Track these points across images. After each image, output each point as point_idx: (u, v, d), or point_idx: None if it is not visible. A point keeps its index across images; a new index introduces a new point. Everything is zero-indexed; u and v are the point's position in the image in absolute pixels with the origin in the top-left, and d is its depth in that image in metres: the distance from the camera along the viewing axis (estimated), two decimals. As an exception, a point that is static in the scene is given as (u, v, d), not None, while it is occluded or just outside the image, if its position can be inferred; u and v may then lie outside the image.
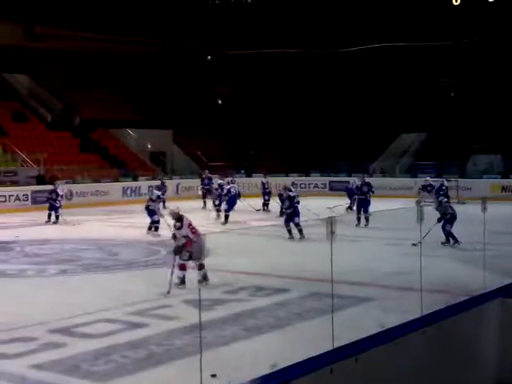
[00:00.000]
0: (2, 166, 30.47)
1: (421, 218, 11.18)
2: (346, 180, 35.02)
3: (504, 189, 30.23)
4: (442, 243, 15.37)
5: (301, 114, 41.56)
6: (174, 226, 12.02)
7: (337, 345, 6.58)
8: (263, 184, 26.51)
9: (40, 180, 30.10)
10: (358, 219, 20.79)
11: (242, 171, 32.80)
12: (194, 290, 6.19)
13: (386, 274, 12.53)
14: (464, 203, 23.62)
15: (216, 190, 24.41)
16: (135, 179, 32.60)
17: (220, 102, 46.20)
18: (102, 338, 9.02)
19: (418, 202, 26.14)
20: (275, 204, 22.51)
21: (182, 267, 11.62)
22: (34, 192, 27.95)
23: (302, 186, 34.49)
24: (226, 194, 22.48)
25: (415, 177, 33.34)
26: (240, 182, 28.47)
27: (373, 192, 21.83)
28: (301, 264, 13.47)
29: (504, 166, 33.93)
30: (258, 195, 27.21)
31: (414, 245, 11.15)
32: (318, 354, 6.36)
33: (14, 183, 29.47)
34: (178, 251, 11.60)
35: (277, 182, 30.00)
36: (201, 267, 11.38)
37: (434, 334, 7.27)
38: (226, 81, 45.10)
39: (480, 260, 9.99)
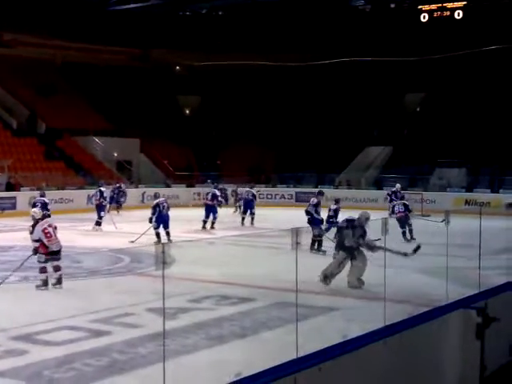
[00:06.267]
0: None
1: (385, 229, 11.32)
2: (312, 191, 35.25)
3: (467, 202, 30.61)
4: None
5: (268, 126, 41.70)
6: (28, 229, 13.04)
7: (301, 354, 6.60)
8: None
9: (9, 187, 29.85)
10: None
11: (209, 181, 32.77)
12: (159, 298, 6.17)
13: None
14: (429, 216, 23.90)
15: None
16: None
17: (188, 112, 46.22)
18: (64, 345, 8.94)
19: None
20: None
21: (43, 270, 12.51)
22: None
23: (269, 196, 34.68)
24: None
25: (380, 189, 33.67)
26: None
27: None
28: (267, 273, 13.47)
29: (468, 180, 34.41)
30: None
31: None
32: (281, 363, 6.37)
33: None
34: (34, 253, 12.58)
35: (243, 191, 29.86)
36: (57, 269, 12.57)
37: (395, 345, 7.32)
38: (195, 91, 45.15)
39: (443, 272, 10.10)
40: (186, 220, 25.50)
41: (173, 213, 21.87)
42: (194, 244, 14.43)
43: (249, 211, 25.41)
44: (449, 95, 39.41)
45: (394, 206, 21.62)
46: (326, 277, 12.47)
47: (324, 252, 16.66)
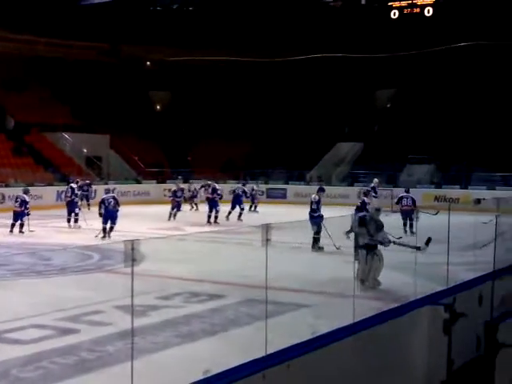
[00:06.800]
0: None
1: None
2: (283, 187, 35.30)
3: (436, 198, 30.86)
4: None
5: (239, 122, 41.65)
6: None
7: (270, 351, 6.59)
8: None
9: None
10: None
11: (180, 177, 32.65)
12: (128, 296, 6.10)
13: (320, 281, 12.60)
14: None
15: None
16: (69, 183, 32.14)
17: (159, 107, 46.00)
18: (31, 344, 8.85)
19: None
20: None
21: None
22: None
23: (240, 193, 34.46)
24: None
25: (351, 185, 33.83)
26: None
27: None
28: (237, 270, 13.45)
29: (437, 176, 34.69)
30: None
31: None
32: (250, 360, 6.36)
33: None
34: None
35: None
36: None
37: (364, 341, 7.35)
38: (166, 87, 44.94)
39: (411, 267, 10.15)
40: (156, 216, 25.44)
41: (145, 209, 21.77)
42: (163, 241, 14.37)
43: (237, 206, 25.60)
44: (419, 92, 39.69)
45: (401, 198, 21.58)
46: (363, 280, 12.25)
47: (321, 248, 16.67)
